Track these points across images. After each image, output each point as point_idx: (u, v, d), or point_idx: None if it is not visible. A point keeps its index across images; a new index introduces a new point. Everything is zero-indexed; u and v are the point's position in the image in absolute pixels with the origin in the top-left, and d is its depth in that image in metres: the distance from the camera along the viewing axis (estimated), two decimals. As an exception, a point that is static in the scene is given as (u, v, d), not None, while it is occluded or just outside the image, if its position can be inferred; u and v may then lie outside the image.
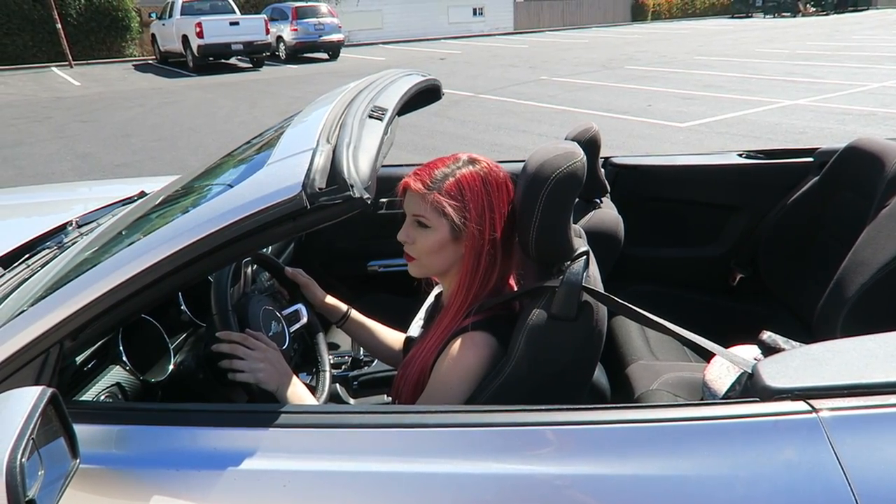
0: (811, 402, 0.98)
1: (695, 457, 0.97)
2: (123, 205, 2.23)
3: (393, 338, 1.73)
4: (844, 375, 1.01)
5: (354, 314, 1.73)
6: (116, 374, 1.39)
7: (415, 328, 1.58)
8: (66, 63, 18.67)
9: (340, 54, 19.18)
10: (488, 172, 1.31)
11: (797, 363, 1.05)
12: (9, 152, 8.14)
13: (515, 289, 1.41)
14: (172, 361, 1.54)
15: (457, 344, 1.27)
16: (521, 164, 1.33)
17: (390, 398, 1.61)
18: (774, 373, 1.03)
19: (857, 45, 16.82)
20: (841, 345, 1.09)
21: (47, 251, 1.85)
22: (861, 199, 2.00)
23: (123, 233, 1.48)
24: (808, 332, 1.99)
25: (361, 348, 1.96)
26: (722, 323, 1.96)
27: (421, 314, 1.61)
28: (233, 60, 18.13)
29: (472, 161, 1.32)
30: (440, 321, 1.37)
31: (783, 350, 1.28)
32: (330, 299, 1.74)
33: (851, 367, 1.02)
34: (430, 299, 1.62)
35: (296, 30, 17.92)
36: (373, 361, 1.98)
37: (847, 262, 1.81)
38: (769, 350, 1.30)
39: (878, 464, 0.92)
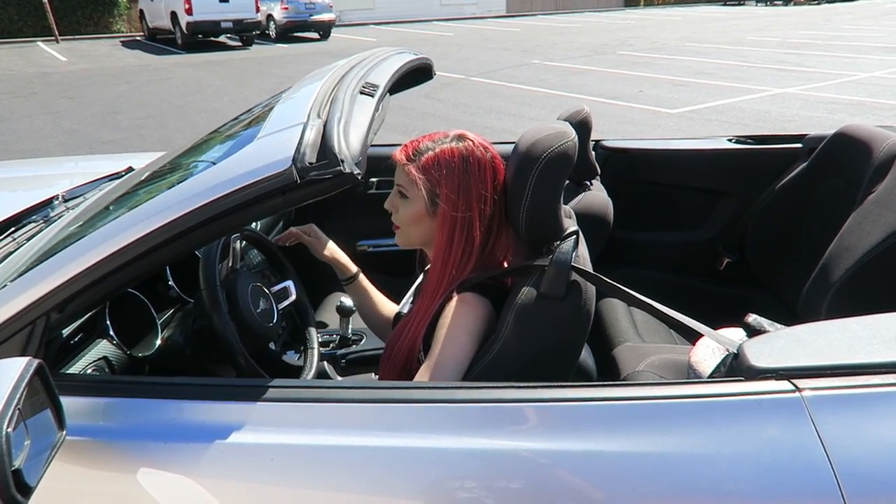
0: (794, 381, 0.99)
1: (679, 434, 0.98)
2: (110, 180, 2.21)
3: (391, 309, 1.73)
4: (827, 356, 1.02)
5: (362, 278, 1.74)
6: (103, 349, 1.39)
7: (405, 305, 1.58)
8: (53, 38, 18.39)
9: (331, 34, 19.00)
10: (471, 151, 1.30)
11: (781, 344, 1.07)
12: (-7, 127, 8.04)
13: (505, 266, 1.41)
14: (160, 336, 1.54)
15: (451, 306, 1.28)
16: (512, 146, 1.33)
17: (378, 376, 1.61)
18: (759, 353, 1.04)
19: (847, 34, 16.84)
20: (824, 326, 1.11)
21: (33, 225, 1.83)
22: (848, 185, 2.01)
23: (111, 207, 1.46)
24: (794, 317, 2.01)
25: (349, 326, 1.96)
26: (709, 307, 1.97)
27: (411, 291, 1.61)
28: (222, 38, 17.92)
29: (459, 138, 1.32)
30: (422, 295, 1.38)
31: (768, 332, 1.29)
32: (340, 256, 1.73)
33: (834, 347, 1.04)
34: (421, 277, 1.62)
35: (286, 8, 17.71)
36: (361, 340, 1.99)
37: (833, 247, 1.83)
38: (754, 332, 1.31)
39: (858, 442, 0.94)
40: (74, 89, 10.82)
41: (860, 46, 14.24)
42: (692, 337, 1.20)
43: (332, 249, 1.73)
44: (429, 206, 1.30)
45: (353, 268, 1.73)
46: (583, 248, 1.34)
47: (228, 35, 17.29)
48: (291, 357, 1.76)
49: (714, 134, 6.87)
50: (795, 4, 30.86)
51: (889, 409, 0.96)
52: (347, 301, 1.89)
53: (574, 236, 1.27)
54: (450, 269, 1.32)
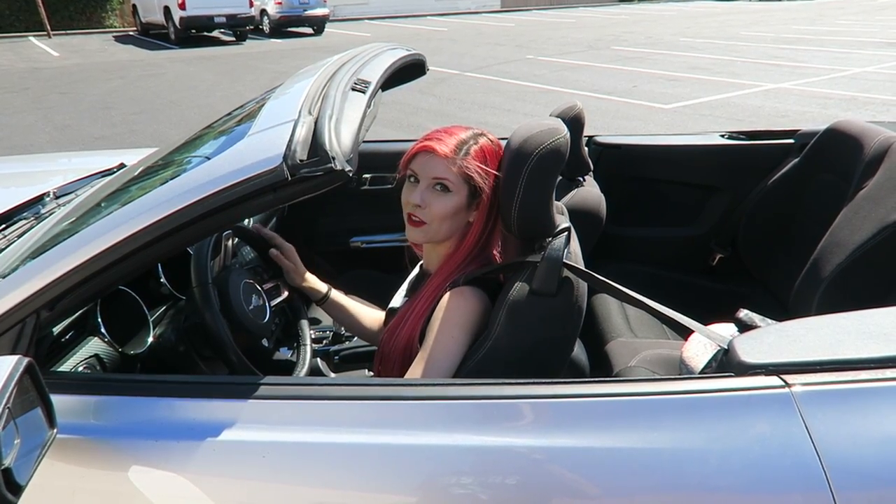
0: (784, 377, 0.99)
1: (670, 430, 0.98)
2: (102, 176, 2.19)
3: (373, 317, 1.73)
4: (817, 351, 1.03)
5: (335, 294, 1.72)
6: (95, 346, 1.38)
7: (397, 300, 1.58)
8: (45, 33, 18.25)
9: (325, 29, 18.90)
10: (498, 144, 1.37)
11: (772, 339, 1.07)
12: (-15, 123, 7.98)
13: (499, 261, 1.42)
14: (152, 334, 1.53)
15: (447, 299, 1.29)
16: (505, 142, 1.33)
17: (372, 373, 1.61)
18: (749, 348, 1.05)
19: (840, 29, 16.86)
20: (815, 322, 1.11)
21: (24, 222, 1.82)
22: (840, 180, 2.02)
23: (102, 204, 1.46)
24: (786, 312, 2.01)
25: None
26: (701, 302, 1.98)
27: (404, 287, 1.61)
28: (215, 33, 17.81)
29: (482, 132, 1.38)
30: (429, 285, 1.39)
31: (759, 328, 1.30)
32: (311, 280, 1.72)
33: (824, 343, 1.04)
34: (415, 272, 1.62)
35: (280, 3, 17.59)
36: (353, 336, 1.99)
37: (824, 242, 1.84)
38: (745, 327, 1.31)
39: (847, 437, 0.95)
40: (66, 84, 10.75)
41: (853, 42, 14.27)
42: (684, 332, 1.20)
43: (304, 276, 1.72)
44: (469, 199, 1.33)
45: (323, 287, 1.72)
46: (575, 245, 1.34)
47: (222, 30, 17.18)
48: (284, 354, 1.76)
49: (708, 129, 6.89)
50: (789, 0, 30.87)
51: (878, 404, 0.97)
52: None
53: (566, 233, 1.28)
54: (471, 259, 1.36)
